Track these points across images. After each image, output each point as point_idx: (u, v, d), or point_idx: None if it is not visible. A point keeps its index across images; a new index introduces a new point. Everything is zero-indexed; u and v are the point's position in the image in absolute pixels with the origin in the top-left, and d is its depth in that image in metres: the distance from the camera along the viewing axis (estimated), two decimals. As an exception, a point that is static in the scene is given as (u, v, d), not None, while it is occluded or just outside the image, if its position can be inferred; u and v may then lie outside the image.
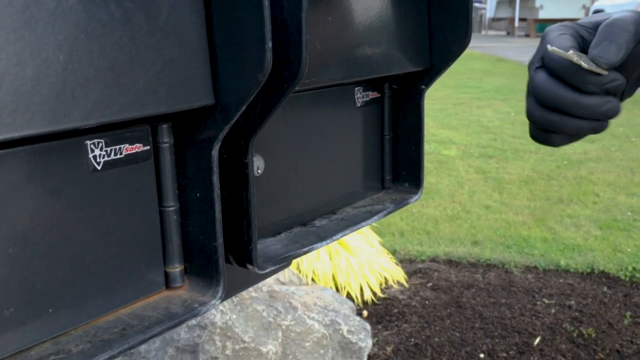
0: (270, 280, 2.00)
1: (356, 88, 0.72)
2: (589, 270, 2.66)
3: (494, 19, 19.26)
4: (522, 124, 5.49)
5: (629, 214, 3.29)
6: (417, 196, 0.79)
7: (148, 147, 0.52)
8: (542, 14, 16.42)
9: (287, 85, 0.49)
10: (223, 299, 0.57)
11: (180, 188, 0.55)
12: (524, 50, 12.79)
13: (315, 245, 0.67)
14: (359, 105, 0.74)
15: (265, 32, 0.45)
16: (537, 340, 2.14)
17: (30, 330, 0.47)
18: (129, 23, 0.44)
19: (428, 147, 4.77)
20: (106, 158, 0.50)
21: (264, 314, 1.76)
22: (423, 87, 0.75)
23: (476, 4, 21.45)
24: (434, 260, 2.80)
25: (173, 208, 0.55)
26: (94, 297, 0.51)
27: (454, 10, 0.70)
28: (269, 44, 0.46)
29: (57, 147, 0.46)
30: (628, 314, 2.30)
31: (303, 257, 2.37)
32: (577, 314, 2.31)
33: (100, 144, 0.49)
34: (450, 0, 0.70)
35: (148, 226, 0.54)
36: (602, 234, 3.03)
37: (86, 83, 0.42)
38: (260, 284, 1.87)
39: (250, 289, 1.81)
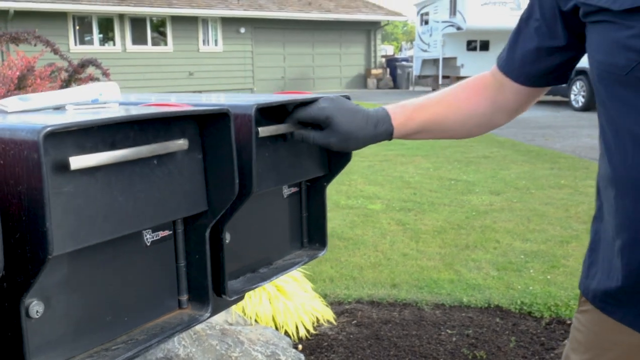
0: (220, 321, 2.43)
1: (284, 187, 1.21)
2: (486, 305, 3.20)
3: (420, 77, 20.44)
4: (439, 179, 6.14)
5: (522, 256, 3.89)
6: (323, 251, 1.28)
7: (171, 232, 0.99)
8: (463, 72, 17.64)
9: (245, 198, 0.97)
10: (211, 315, 1.03)
11: (187, 252, 1.01)
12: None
13: (260, 284, 1.14)
14: (285, 197, 1.22)
15: (234, 173, 0.93)
16: (440, 362, 2.63)
17: (104, 332, 0.91)
18: (165, 172, 0.91)
19: (356, 202, 5.31)
20: (151, 239, 0.96)
21: (218, 347, 2.18)
22: (325, 184, 1.25)
23: (404, 62, 22.70)
24: (358, 301, 3.28)
25: (183, 264, 1.01)
26: (140, 314, 0.96)
27: None
28: (237, 180, 0.94)
29: (132, 235, 0.92)
30: (513, 338, 2.83)
31: (247, 301, 2.81)
32: (473, 340, 2.83)
33: (149, 232, 0.95)
34: None
35: (170, 273, 1.00)
36: (499, 274, 3.60)
37: (146, 207, 0.88)
38: (213, 324, 2.29)
39: (206, 327, 2.23)
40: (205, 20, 18.87)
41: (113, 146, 0.80)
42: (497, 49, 16.76)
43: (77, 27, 16.95)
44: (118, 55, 17.27)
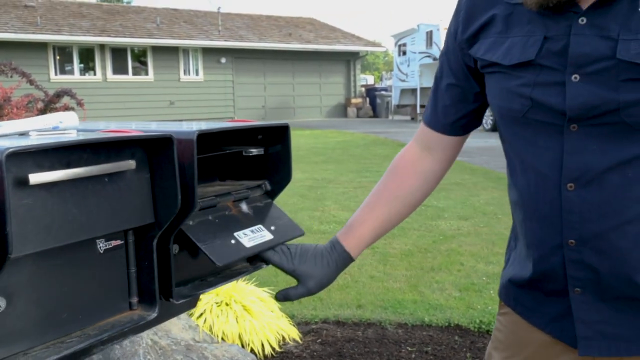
0: (187, 338, 2.54)
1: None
2: (446, 324, 3.34)
3: (399, 106, 20.80)
4: (411, 205, 6.31)
5: (484, 278, 4.04)
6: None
7: (122, 241, 1.12)
8: (440, 101, 17.99)
9: (189, 213, 1.12)
10: (157, 316, 1.16)
11: (137, 260, 1.14)
12: (423, 134, 13.98)
13: (206, 290, 1.28)
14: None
15: (177, 190, 1.08)
16: (398, 377, 2.75)
17: (60, 328, 1.03)
18: (116, 188, 1.05)
19: (328, 227, 5.46)
20: (104, 247, 1.09)
21: (182, 362, 2.29)
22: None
23: (383, 92, 23.10)
24: (324, 321, 3.40)
25: (133, 270, 1.14)
26: (93, 313, 1.09)
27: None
28: (179, 196, 1.08)
29: (86, 242, 1.05)
30: (469, 355, 2.96)
31: (215, 320, 2.92)
32: (431, 357, 2.96)
33: (102, 240, 1.08)
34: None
35: (122, 278, 1.13)
36: (461, 295, 3.75)
37: (97, 218, 1.02)
38: (179, 339, 2.40)
39: (171, 343, 2.35)
40: (186, 50, 19.11)
41: (68, 165, 0.94)
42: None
43: (58, 57, 17.09)
44: (99, 85, 17.42)
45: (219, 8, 21.32)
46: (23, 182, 0.87)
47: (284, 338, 3.09)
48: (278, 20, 23.61)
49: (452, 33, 1.11)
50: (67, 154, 0.95)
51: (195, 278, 1.32)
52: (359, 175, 8.38)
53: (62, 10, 18.65)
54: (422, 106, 18.76)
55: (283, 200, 6.58)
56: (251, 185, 1.36)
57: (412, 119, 19.80)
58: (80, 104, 3.60)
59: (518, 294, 1.10)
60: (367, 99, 23.27)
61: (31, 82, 3.44)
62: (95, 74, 17.73)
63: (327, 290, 3.84)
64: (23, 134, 1.05)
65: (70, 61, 17.40)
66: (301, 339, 3.13)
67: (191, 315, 2.88)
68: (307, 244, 1.25)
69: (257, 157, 1.38)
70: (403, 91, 20.29)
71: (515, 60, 0.96)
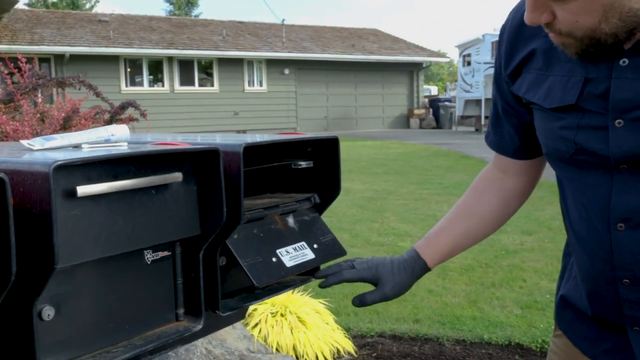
0: (241, 348, 2.56)
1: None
2: (507, 342, 3.23)
3: (463, 117, 20.48)
4: (472, 218, 6.17)
5: (548, 296, 3.90)
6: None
7: (170, 253, 1.13)
8: (506, 112, 17.60)
9: (234, 226, 1.12)
10: (203, 327, 1.17)
11: (184, 271, 1.15)
12: (487, 147, 13.70)
13: (253, 302, 1.27)
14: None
15: (223, 203, 1.08)
16: (454, 396, 2.68)
17: (106, 338, 1.05)
18: (162, 200, 1.06)
19: (386, 239, 5.40)
20: (152, 258, 1.11)
21: (235, 372, 2.30)
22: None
23: (447, 103, 22.80)
24: (381, 335, 3.35)
25: (180, 281, 1.16)
26: (140, 324, 1.10)
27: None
28: (225, 209, 1.08)
29: (134, 253, 1.07)
30: (530, 375, 2.86)
31: (269, 331, 2.93)
32: (490, 376, 2.87)
33: (149, 251, 1.10)
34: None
35: (169, 289, 1.14)
36: (522, 312, 3.62)
37: (144, 229, 1.04)
38: (232, 349, 2.42)
39: (225, 352, 2.37)
40: (250, 62, 19.44)
41: (115, 178, 0.95)
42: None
43: (129, 69, 17.70)
44: (166, 96, 17.94)
45: (283, 20, 21.64)
46: (71, 194, 0.89)
47: (338, 351, 3.06)
48: (341, 31, 23.71)
49: (497, 65, 1.07)
50: (115, 166, 0.97)
51: (242, 290, 1.32)
52: (420, 187, 8.28)
53: (133, 24, 19.35)
54: (486, 117, 18.40)
55: (342, 212, 6.56)
56: (300, 198, 1.36)
57: (477, 130, 19.45)
58: (143, 114, 3.71)
59: (571, 319, 1.05)
60: (431, 110, 23.02)
61: (97, 94, 3.57)
62: (163, 85, 18.26)
63: (383, 304, 3.79)
64: (76, 147, 1.08)
65: (140, 73, 18.00)
66: (356, 353, 3.10)
67: (246, 325, 2.89)
68: (377, 257, 1.25)
69: (306, 170, 1.37)
70: (467, 102, 19.97)
71: (556, 104, 0.91)
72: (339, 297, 3.89)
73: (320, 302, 3.28)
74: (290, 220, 1.30)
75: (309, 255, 1.27)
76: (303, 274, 1.32)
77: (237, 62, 19.18)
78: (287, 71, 20.00)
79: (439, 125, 22.58)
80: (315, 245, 1.30)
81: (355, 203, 7.17)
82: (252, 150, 1.27)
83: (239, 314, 1.35)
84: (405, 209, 6.73)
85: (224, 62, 18.93)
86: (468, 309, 3.71)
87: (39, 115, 3.27)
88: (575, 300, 1.03)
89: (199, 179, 1.09)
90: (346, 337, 3.17)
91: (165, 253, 1.11)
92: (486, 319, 3.54)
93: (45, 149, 1.03)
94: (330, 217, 6.13)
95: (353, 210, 6.75)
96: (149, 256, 1.09)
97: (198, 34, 19.55)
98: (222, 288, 1.20)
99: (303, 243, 1.28)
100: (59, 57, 16.25)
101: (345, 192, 7.67)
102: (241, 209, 1.11)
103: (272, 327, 2.93)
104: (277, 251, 1.21)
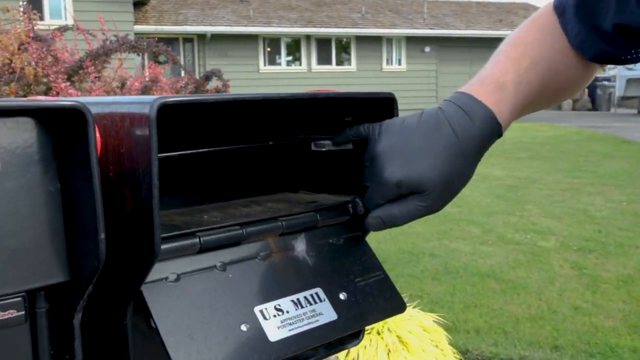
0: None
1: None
2: (681, 389, 2.42)
3: (623, 97, 18.42)
4: (634, 215, 5.16)
5: None
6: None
7: (23, 313, 0.59)
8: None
9: (148, 264, 0.56)
10: None
11: (52, 342, 0.60)
12: (653, 130, 12.08)
13: None
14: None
15: (96, 208, 0.53)
16: None
17: None
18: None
19: (524, 237, 4.60)
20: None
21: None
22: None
23: (605, 82, 20.66)
24: (507, 363, 2.67)
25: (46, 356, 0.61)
26: None
27: None
28: (101, 225, 0.53)
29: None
30: None
31: (361, 352, 2.36)
32: None
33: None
34: None
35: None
36: (703, 348, 2.75)
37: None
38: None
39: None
40: (389, 40, 18.79)
41: None
42: None
43: (268, 49, 17.76)
44: (304, 75, 17.80)
45: (425, -5, 20.67)
46: None
47: (449, 382, 2.43)
48: (488, 6, 22.26)
49: None
50: None
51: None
52: (569, 175, 7.24)
53: (273, 3, 19.37)
54: (653, 98, 16.34)
55: (475, 200, 5.79)
56: (326, 203, 0.77)
57: (639, 112, 17.38)
58: (225, 85, 3.31)
59: None
60: (586, 90, 20.98)
61: (175, 62, 3.23)
62: (300, 65, 18.15)
63: (514, 321, 3.08)
64: None
65: (278, 52, 18.00)
66: (472, 386, 2.45)
67: (333, 342, 2.35)
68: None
69: (345, 157, 0.79)
70: (630, 81, 17.91)
71: None
72: (459, 307, 3.23)
73: (431, 316, 2.66)
74: (300, 246, 0.72)
75: (326, 314, 0.69)
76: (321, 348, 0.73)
77: (376, 40, 18.60)
78: (427, 49, 19.10)
79: (594, 107, 20.59)
80: (342, 295, 0.71)
81: (492, 191, 6.35)
82: (242, 119, 0.71)
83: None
84: (550, 201, 5.81)
85: (362, 40, 18.44)
86: (627, 336, 2.90)
87: (114, 83, 2.97)
88: None
89: (62, 170, 0.54)
90: (461, 364, 2.53)
91: (13, 313, 0.57)
92: (652, 352, 2.72)
93: None
94: (460, 206, 5.40)
95: (488, 200, 5.95)
96: (-13, 315, 0.56)
97: (337, 12, 19.20)
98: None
99: (318, 290, 0.70)
100: (202, 37, 16.61)
101: (482, 179, 6.86)
102: (154, 227, 0.55)
103: (365, 347, 2.36)
104: (257, 309, 0.64)
